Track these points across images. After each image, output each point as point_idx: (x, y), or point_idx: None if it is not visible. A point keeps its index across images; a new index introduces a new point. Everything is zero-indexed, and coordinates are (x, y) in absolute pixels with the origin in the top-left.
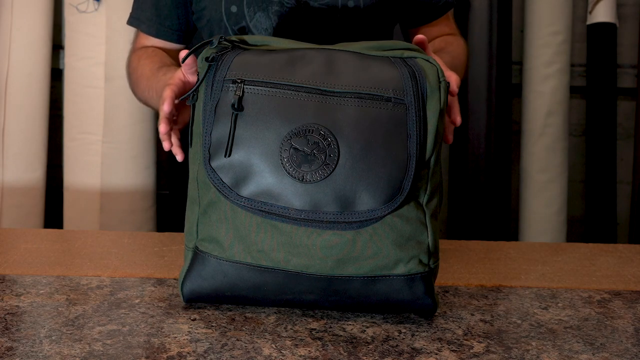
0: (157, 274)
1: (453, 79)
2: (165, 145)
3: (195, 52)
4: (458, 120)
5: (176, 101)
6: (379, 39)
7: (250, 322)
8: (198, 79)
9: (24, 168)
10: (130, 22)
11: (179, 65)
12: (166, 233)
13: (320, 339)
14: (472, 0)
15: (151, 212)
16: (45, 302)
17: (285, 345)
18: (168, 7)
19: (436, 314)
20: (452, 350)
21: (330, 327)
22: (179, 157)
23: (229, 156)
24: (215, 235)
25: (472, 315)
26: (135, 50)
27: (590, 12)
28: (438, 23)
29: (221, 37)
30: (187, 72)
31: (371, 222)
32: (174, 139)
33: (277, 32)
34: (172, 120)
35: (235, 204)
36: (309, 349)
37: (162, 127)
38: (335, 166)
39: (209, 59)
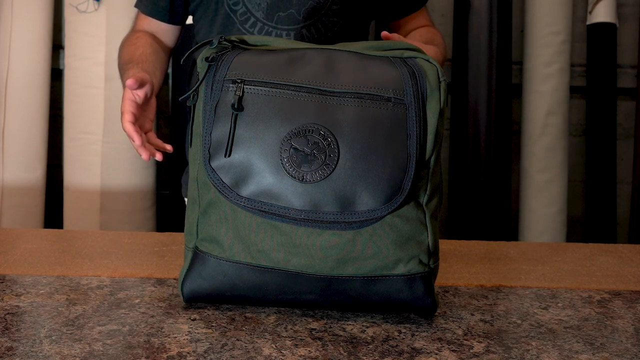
0: (157, 274)
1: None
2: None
3: (196, 53)
4: None
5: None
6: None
7: (250, 322)
8: (198, 79)
9: (24, 168)
10: (136, 4)
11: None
12: (166, 233)
13: (320, 339)
14: (472, 0)
15: (151, 212)
16: (45, 302)
17: (285, 345)
18: None
19: (436, 314)
20: (452, 350)
21: (330, 327)
22: (158, 157)
23: (229, 156)
24: (215, 235)
25: (472, 315)
26: (131, 31)
27: (590, 12)
28: (416, 16)
29: (221, 37)
30: (131, 89)
31: (371, 222)
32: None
33: (270, 8)
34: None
35: (235, 204)
36: (309, 349)
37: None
38: (335, 166)
39: (209, 59)
